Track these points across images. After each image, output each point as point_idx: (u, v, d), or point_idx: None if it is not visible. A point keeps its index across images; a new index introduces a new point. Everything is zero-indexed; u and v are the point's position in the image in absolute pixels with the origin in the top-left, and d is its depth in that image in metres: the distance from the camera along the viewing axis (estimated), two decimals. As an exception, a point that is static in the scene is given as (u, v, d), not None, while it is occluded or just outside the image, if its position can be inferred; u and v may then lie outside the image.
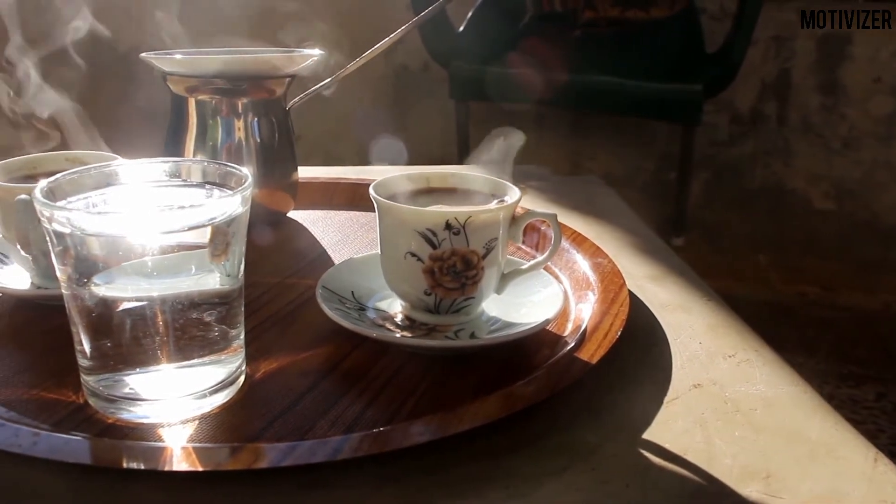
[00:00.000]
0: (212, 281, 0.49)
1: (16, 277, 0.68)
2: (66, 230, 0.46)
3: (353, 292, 0.64)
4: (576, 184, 1.06)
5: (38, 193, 0.47)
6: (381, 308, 0.64)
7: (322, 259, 0.77)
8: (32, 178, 0.68)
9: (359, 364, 0.57)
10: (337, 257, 0.77)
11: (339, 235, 0.83)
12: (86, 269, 0.47)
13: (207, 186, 0.54)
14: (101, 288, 0.47)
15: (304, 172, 0.88)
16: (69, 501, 0.45)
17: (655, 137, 2.31)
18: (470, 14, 2.08)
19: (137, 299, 0.48)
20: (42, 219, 0.47)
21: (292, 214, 0.88)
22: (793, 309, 2.13)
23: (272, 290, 0.69)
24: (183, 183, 0.54)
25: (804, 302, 2.18)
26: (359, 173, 1.01)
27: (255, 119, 0.78)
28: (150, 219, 0.47)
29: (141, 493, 0.45)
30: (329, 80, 0.81)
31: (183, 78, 0.77)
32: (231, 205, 0.48)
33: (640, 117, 2.13)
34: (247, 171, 0.51)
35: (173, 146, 0.79)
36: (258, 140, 0.79)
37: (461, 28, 2.07)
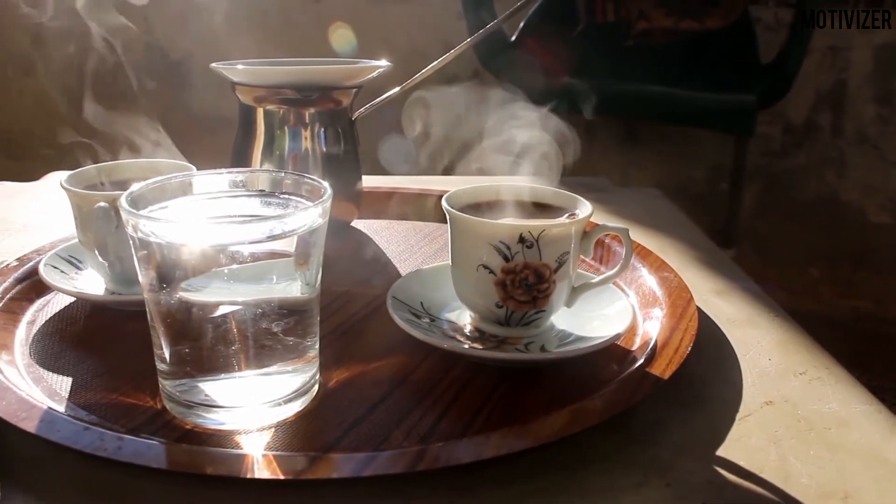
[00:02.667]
0: (293, 290, 0.50)
1: (91, 282, 0.69)
2: (152, 238, 0.47)
3: (422, 303, 0.64)
4: (635, 196, 1.06)
5: (124, 202, 0.49)
6: (450, 319, 0.64)
7: (388, 269, 0.78)
8: (107, 185, 0.70)
9: (430, 375, 0.58)
10: (402, 267, 0.78)
11: (402, 245, 0.84)
12: (168, 275, 0.48)
13: (283, 196, 0.54)
14: (183, 294, 0.48)
15: (365, 182, 0.88)
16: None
17: (706, 148, 2.29)
18: (522, 24, 2.08)
19: (218, 306, 0.49)
20: (127, 226, 0.48)
21: (356, 224, 0.89)
22: (844, 323, 2.10)
23: (340, 299, 0.69)
24: (260, 193, 0.55)
25: (856, 316, 2.15)
26: (419, 183, 1.01)
27: (322, 129, 0.79)
28: (234, 228, 0.48)
29: (218, 499, 0.46)
30: (394, 90, 0.82)
31: (251, 88, 0.78)
32: (313, 215, 0.49)
33: (691, 127, 2.11)
34: (326, 183, 0.51)
35: (241, 155, 0.80)
36: (324, 150, 0.80)
37: (513, 37, 2.07)
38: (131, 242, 0.49)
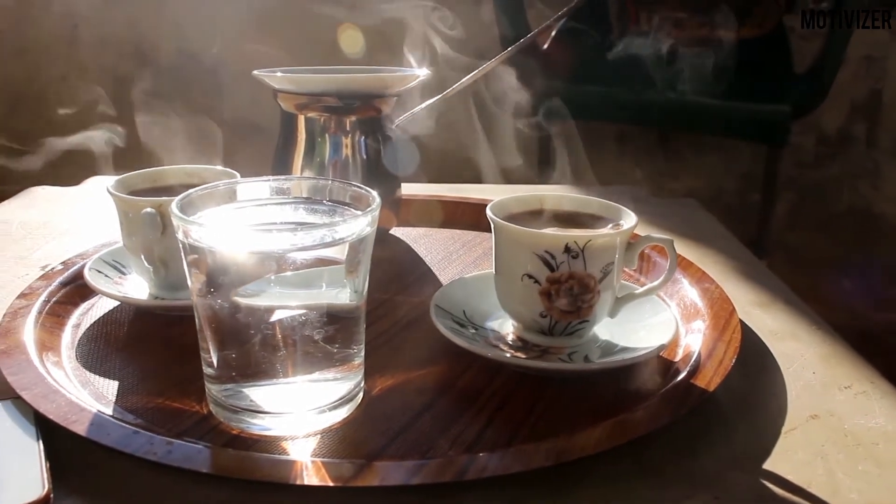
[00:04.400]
0: (342, 297, 0.50)
1: (135, 287, 0.70)
2: (202, 244, 0.48)
3: (464, 311, 0.64)
4: (673, 206, 1.05)
5: (174, 208, 0.49)
6: (493, 328, 0.64)
7: (427, 277, 0.78)
8: (152, 191, 0.70)
9: (473, 383, 0.58)
10: (442, 275, 0.78)
11: (441, 253, 0.84)
12: (218, 280, 0.49)
13: (330, 204, 0.55)
14: (232, 299, 0.49)
15: (403, 189, 0.88)
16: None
17: (739, 158, 2.27)
18: (553, 32, 2.07)
19: (267, 312, 0.49)
20: (178, 232, 0.49)
21: (394, 231, 0.89)
22: (878, 336, 2.07)
23: (382, 307, 0.69)
24: (307, 200, 0.55)
25: (891, 329, 2.12)
26: (456, 191, 1.02)
27: (363, 136, 0.80)
28: (285, 235, 0.48)
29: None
30: (434, 98, 0.82)
31: (293, 95, 0.78)
32: (363, 223, 0.49)
33: (724, 137, 2.10)
34: (374, 192, 0.52)
35: (282, 162, 0.81)
36: (364, 157, 0.80)
37: (545, 46, 2.07)
38: (181, 247, 0.50)
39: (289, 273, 0.48)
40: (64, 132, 2.57)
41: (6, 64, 2.55)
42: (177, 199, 0.50)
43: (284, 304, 0.49)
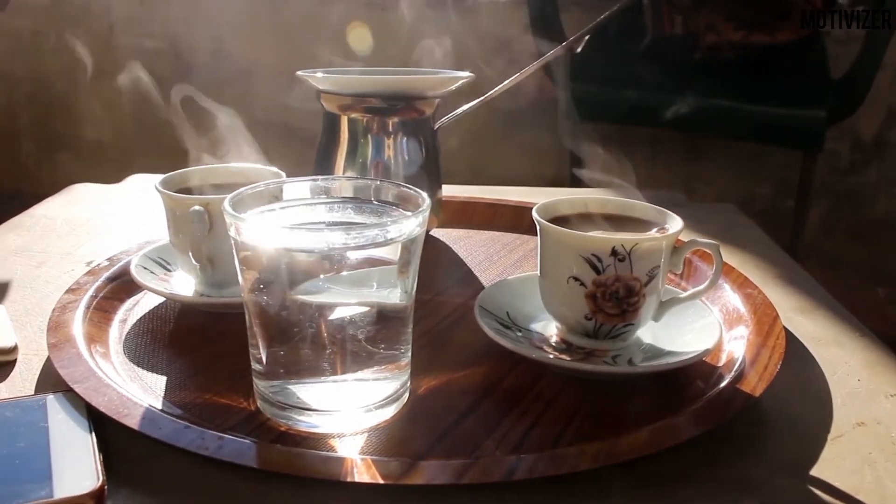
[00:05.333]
0: (393, 297, 0.51)
1: (180, 284, 0.71)
2: (255, 242, 0.48)
3: (507, 313, 0.64)
4: (711, 211, 1.05)
5: (227, 206, 0.50)
6: (536, 330, 0.64)
7: (468, 278, 0.78)
8: (199, 189, 0.71)
9: (518, 385, 0.58)
10: (483, 277, 0.78)
11: (482, 255, 0.84)
12: (269, 278, 0.49)
13: (378, 204, 0.55)
14: (283, 297, 0.49)
15: (443, 190, 0.89)
16: (246, 502, 0.46)
17: (772, 163, 2.26)
18: (588, 36, 2.07)
19: (318, 310, 0.49)
20: (230, 229, 0.49)
21: (435, 233, 0.89)
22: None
23: (424, 308, 0.70)
24: (355, 200, 0.56)
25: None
26: (495, 193, 1.02)
27: (405, 138, 0.80)
28: (337, 234, 0.48)
29: (312, 501, 0.46)
30: (475, 101, 0.83)
31: (337, 96, 0.79)
32: (414, 224, 0.49)
33: (758, 143, 2.09)
34: (424, 193, 0.52)
35: (324, 162, 0.81)
36: (406, 158, 0.80)
37: (578, 49, 2.06)
38: (233, 244, 0.50)
39: (340, 272, 0.48)
40: (99, 132, 2.61)
41: (43, 64, 2.58)
42: (228, 197, 0.51)
43: (335, 303, 0.49)
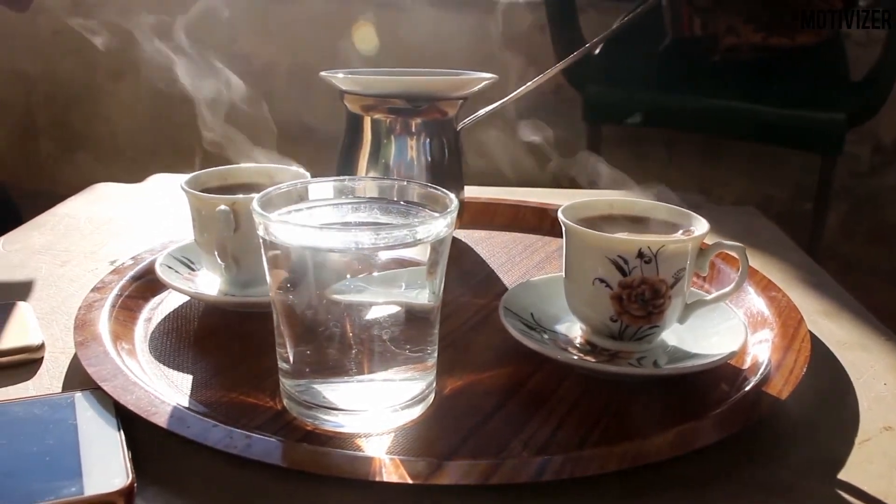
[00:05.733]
0: (421, 297, 0.51)
1: (204, 283, 0.71)
2: (283, 241, 0.48)
3: (532, 314, 0.64)
4: (732, 214, 1.04)
5: (256, 205, 0.50)
6: (560, 331, 0.64)
7: (491, 279, 0.78)
8: (223, 189, 0.71)
9: (543, 386, 0.58)
10: (506, 278, 0.78)
11: (504, 256, 0.84)
12: (298, 277, 0.50)
13: (405, 205, 0.55)
14: (311, 297, 0.49)
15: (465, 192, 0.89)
16: (273, 501, 0.46)
17: (790, 166, 2.25)
18: (600, 36, 2.06)
19: (346, 310, 0.49)
20: (258, 228, 0.50)
21: (456, 234, 0.89)
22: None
23: (447, 309, 0.70)
24: (382, 200, 0.56)
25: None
26: (517, 195, 1.02)
27: (428, 139, 0.80)
28: (366, 234, 0.49)
29: (338, 500, 0.46)
30: (498, 103, 0.83)
31: (360, 97, 0.79)
32: (442, 224, 0.49)
33: (776, 145, 2.08)
34: (452, 194, 0.52)
35: (347, 163, 0.81)
36: (429, 159, 0.80)
37: (597, 50, 2.06)
38: (261, 244, 0.50)
39: (368, 272, 0.48)
40: (118, 131, 2.61)
41: (62, 63, 2.60)
42: (257, 196, 0.51)
43: (363, 303, 0.49)
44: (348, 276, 0.49)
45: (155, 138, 2.52)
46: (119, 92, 2.60)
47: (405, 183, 0.56)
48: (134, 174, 1.16)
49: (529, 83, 0.81)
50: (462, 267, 0.82)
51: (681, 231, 0.62)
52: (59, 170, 2.69)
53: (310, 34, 2.31)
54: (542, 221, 0.93)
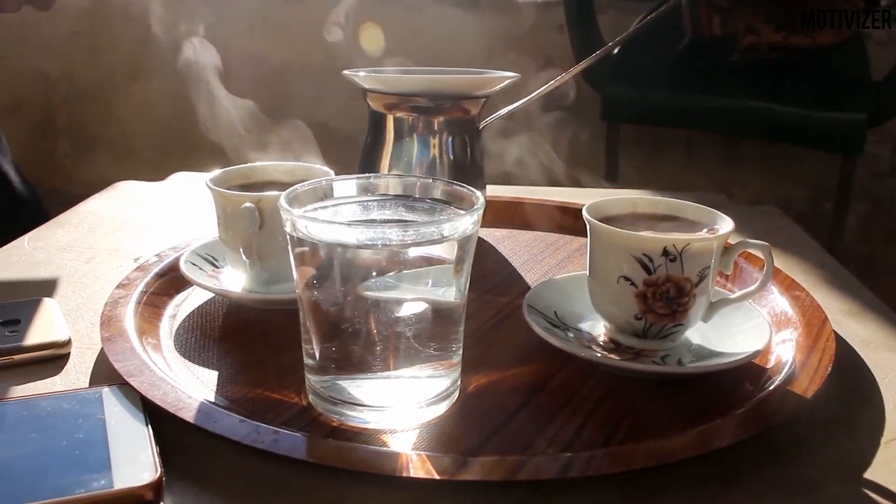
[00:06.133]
0: (448, 295, 0.51)
1: (228, 280, 0.72)
2: (312, 238, 0.49)
3: (555, 312, 0.64)
4: (753, 213, 1.04)
5: (283, 202, 0.50)
6: (584, 329, 0.64)
7: (513, 278, 0.79)
8: (247, 186, 0.72)
9: (567, 384, 0.58)
10: (528, 277, 0.78)
11: (526, 255, 0.84)
12: (325, 274, 0.50)
13: (430, 201, 0.55)
14: (338, 293, 0.50)
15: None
16: (299, 496, 0.47)
17: (810, 166, 2.24)
18: (621, 36, 2.06)
19: (373, 307, 0.50)
20: (285, 225, 0.50)
21: (478, 232, 0.90)
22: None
23: (471, 307, 0.69)
24: (407, 197, 0.56)
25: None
26: (538, 193, 1.02)
27: (450, 137, 0.80)
28: (394, 231, 0.49)
29: (364, 494, 0.47)
30: (520, 102, 0.83)
31: (383, 95, 0.79)
32: (468, 222, 0.49)
33: (796, 145, 2.07)
34: (478, 192, 0.52)
35: (370, 161, 0.81)
36: (451, 158, 0.81)
37: (616, 50, 2.06)
38: (288, 240, 0.51)
39: (395, 270, 0.49)
40: (133, 131, 2.62)
41: (80, 64, 2.61)
42: (284, 193, 0.51)
43: (390, 300, 0.50)
44: (374, 273, 0.49)
45: (170, 138, 2.53)
46: (135, 92, 2.62)
47: (430, 180, 0.56)
48: (149, 174, 1.16)
49: (550, 83, 0.81)
50: (484, 265, 0.82)
51: (705, 230, 0.62)
52: (76, 169, 2.70)
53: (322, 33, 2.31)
54: (563, 220, 0.93)
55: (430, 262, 0.49)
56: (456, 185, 0.54)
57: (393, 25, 2.37)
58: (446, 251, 0.50)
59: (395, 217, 0.55)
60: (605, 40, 2.04)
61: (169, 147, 2.56)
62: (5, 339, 0.62)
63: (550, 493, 0.47)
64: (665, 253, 0.57)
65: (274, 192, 0.66)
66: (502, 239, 0.88)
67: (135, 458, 0.47)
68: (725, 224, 0.61)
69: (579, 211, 0.62)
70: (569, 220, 0.92)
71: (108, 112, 2.69)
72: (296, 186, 0.53)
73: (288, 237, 0.51)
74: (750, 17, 1.94)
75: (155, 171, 1.23)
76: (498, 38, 2.31)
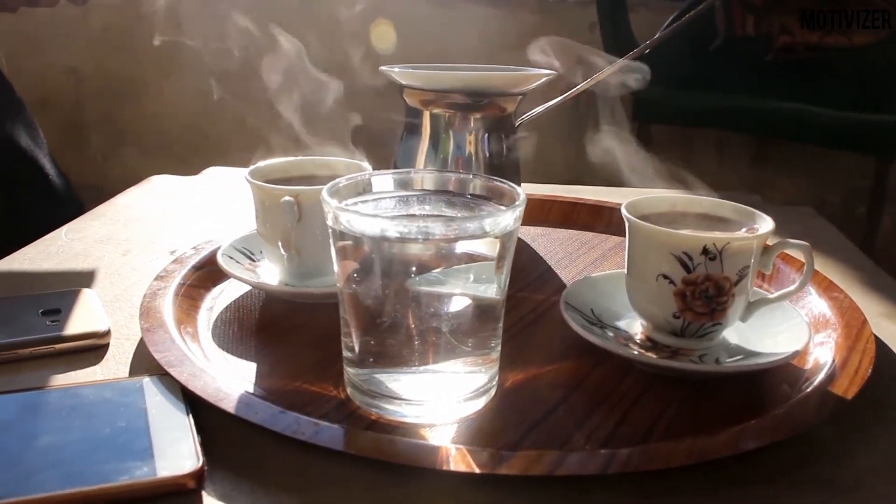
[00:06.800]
0: (489, 292, 0.51)
1: (264, 274, 0.72)
2: (354, 231, 0.49)
3: (592, 310, 0.64)
4: (789, 214, 1.03)
5: (326, 195, 0.50)
6: (621, 327, 0.64)
7: (548, 275, 0.78)
8: (285, 180, 0.72)
9: (603, 381, 0.58)
10: (563, 274, 0.78)
11: (561, 253, 0.84)
12: (365, 267, 0.50)
13: (470, 197, 0.55)
14: (379, 287, 0.50)
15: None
16: (337, 488, 0.47)
17: (843, 168, 2.22)
18: (657, 36, 2.05)
19: (414, 302, 0.50)
20: (327, 218, 0.50)
21: (519, 229, 0.90)
22: None
23: (507, 303, 0.70)
24: (447, 193, 0.56)
25: None
26: (573, 192, 1.02)
27: (486, 134, 0.80)
28: (437, 225, 0.49)
29: (400, 487, 0.47)
30: (557, 99, 0.83)
31: (420, 91, 0.80)
32: (509, 218, 0.50)
33: (830, 147, 2.05)
34: (519, 188, 0.52)
35: (406, 157, 0.82)
36: (487, 155, 0.81)
37: (647, 50, 2.05)
38: (330, 234, 0.51)
39: (437, 266, 0.49)
40: (162, 127, 2.64)
41: (110, 60, 2.64)
42: (326, 187, 0.52)
43: (431, 295, 0.50)
44: (415, 267, 0.49)
45: (198, 134, 2.55)
46: (166, 88, 2.64)
47: (471, 176, 0.56)
48: (178, 169, 1.17)
49: (585, 81, 0.81)
50: (519, 262, 0.81)
51: (744, 229, 0.62)
52: (105, 164, 2.73)
53: (351, 30, 2.32)
54: (597, 218, 0.92)
55: (471, 258, 0.49)
56: (496, 180, 0.54)
57: (424, 23, 2.38)
58: (488, 248, 0.50)
59: (435, 212, 0.55)
60: (637, 39, 2.03)
61: (197, 143, 2.57)
62: (47, 329, 0.62)
63: (587, 490, 0.47)
64: (705, 251, 0.56)
65: (313, 187, 0.66)
66: (537, 237, 0.88)
67: (176, 446, 0.47)
68: (765, 223, 0.60)
69: (613, 209, 0.62)
70: (603, 219, 0.92)
71: (138, 108, 2.71)
72: (337, 180, 0.54)
73: (329, 230, 0.51)
74: (785, 17, 1.92)
75: (183, 166, 1.24)
76: (530, 36, 2.31)
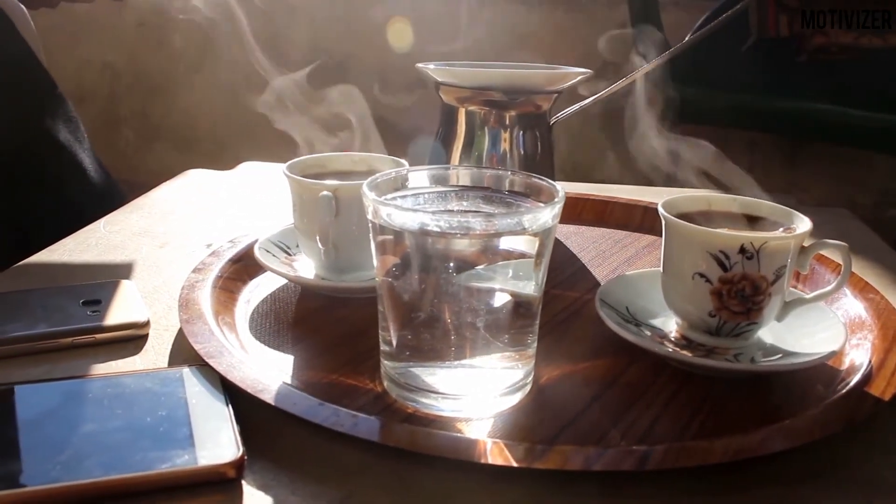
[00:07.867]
0: (528, 288, 0.51)
1: (301, 268, 0.73)
2: (395, 225, 0.49)
3: (627, 308, 0.64)
4: (824, 215, 1.03)
5: (366, 189, 0.51)
6: (656, 325, 0.64)
7: (581, 273, 0.79)
8: (322, 175, 0.73)
9: (639, 379, 0.58)
10: (597, 273, 0.78)
11: (594, 251, 0.84)
12: (405, 262, 0.50)
13: (508, 193, 0.56)
14: (418, 281, 0.50)
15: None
16: (375, 478, 0.47)
17: (875, 171, 2.20)
18: (689, 35, 2.04)
19: (452, 297, 0.50)
20: (367, 212, 0.51)
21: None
22: None
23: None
24: (485, 189, 0.57)
25: None
26: (605, 191, 1.02)
27: (521, 132, 0.80)
28: (477, 220, 0.49)
29: (436, 479, 0.47)
30: (591, 98, 0.83)
31: (456, 89, 0.80)
32: (547, 214, 0.50)
33: (863, 149, 2.03)
34: (558, 185, 0.53)
35: (440, 153, 0.82)
36: (522, 152, 0.81)
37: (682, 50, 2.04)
38: (370, 228, 0.51)
39: (476, 261, 0.49)
40: (195, 122, 2.66)
41: (145, 57, 2.67)
42: (366, 181, 0.52)
43: (470, 290, 0.50)
44: (453, 263, 0.49)
45: (230, 130, 2.57)
46: (197, 84, 2.66)
47: (510, 172, 0.56)
48: (209, 163, 1.18)
49: (619, 81, 0.81)
50: (553, 260, 0.81)
51: (781, 229, 0.61)
52: (138, 158, 2.76)
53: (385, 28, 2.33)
54: (630, 217, 0.92)
55: (509, 254, 0.50)
56: (535, 177, 0.55)
57: (461, 20, 2.38)
58: (526, 245, 0.50)
59: (473, 208, 0.55)
60: (668, 38, 2.02)
61: (229, 138, 2.59)
62: (87, 319, 0.64)
63: (621, 486, 0.47)
64: (742, 251, 0.56)
65: (351, 182, 0.67)
66: (570, 235, 0.89)
67: (216, 436, 0.48)
68: (803, 223, 0.60)
69: (647, 208, 0.62)
70: (636, 218, 0.92)
71: (171, 103, 2.74)
72: (376, 175, 0.54)
73: (369, 224, 0.51)
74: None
75: (215, 161, 1.25)
76: (563, 35, 2.30)
